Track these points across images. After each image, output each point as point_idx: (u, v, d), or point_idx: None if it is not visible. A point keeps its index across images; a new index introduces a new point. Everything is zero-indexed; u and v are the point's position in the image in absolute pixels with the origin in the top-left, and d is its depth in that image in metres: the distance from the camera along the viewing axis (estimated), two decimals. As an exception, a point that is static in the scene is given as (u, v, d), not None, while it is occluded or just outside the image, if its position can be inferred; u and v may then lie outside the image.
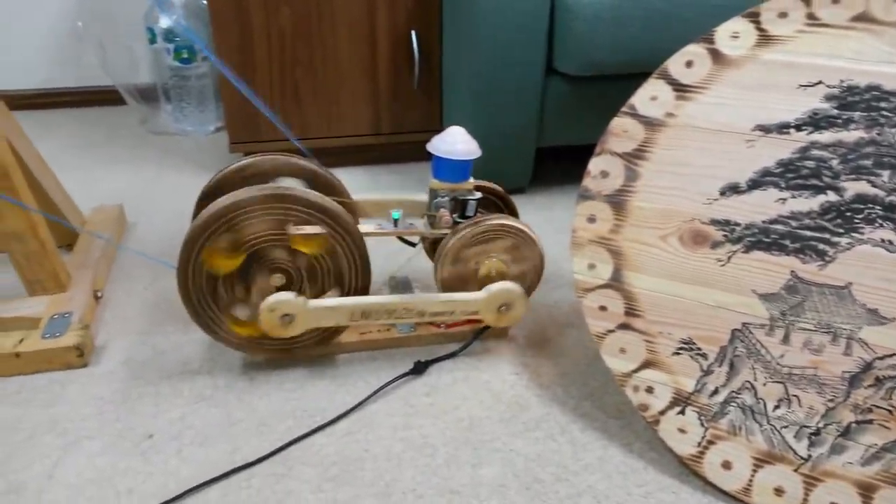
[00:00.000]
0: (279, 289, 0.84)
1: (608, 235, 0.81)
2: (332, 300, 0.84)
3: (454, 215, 0.91)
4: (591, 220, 0.82)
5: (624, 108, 0.83)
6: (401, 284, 0.98)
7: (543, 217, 1.31)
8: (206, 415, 0.82)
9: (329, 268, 0.84)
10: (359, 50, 1.38)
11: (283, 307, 0.81)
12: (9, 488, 0.72)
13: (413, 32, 1.38)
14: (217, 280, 0.81)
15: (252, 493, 0.72)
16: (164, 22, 1.55)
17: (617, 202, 0.81)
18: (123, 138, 1.65)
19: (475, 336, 0.94)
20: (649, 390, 0.76)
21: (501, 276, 0.90)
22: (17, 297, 0.97)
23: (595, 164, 0.83)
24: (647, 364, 0.77)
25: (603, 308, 0.80)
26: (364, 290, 0.87)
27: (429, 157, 0.89)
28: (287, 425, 0.80)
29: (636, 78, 0.92)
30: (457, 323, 0.95)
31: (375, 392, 0.85)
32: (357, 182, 1.45)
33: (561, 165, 1.53)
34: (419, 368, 0.89)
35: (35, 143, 1.68)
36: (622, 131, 0.82)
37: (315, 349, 0.90)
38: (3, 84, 1.74)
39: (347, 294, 0.86)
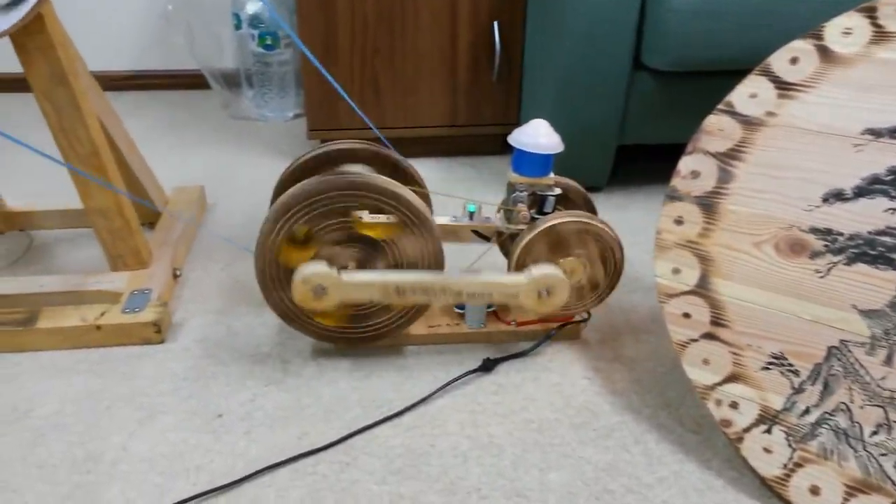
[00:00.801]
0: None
1: (696, 239, 0.77)
2: (365, 273, 0.81)
3: (532, 210, 0.88)
4: (679, 222, 0.78)
5: (720, 106, 0.79)
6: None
7: (620, 217, 1.27)
8: (276, 398, 0.83)
9: (401, 258, 0.83)
10: (439, 40, 1.36)
11: (316, 278, 0.79)
12: (87, 456, 0.74)
13: (495, 23, 1.35)
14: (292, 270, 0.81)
15: (318, 478, 0.71)
16: (251, 8, 1.57)
17: (708, 204, 0.77)
18: (206, 122, 1.69)
19: (546, 336, 0.91)
20: (733, 405, 0.72)
21: (578, 276, 0.87)
22: (100, 271, 1.00)
23: (686, 164, 0.79)
24: (732, 377, 0.73)
25: (686, 315, 0.76)
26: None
27: (505, 150, 0.87)
28: (354, 414, 0.80)
29: (728, 76, 0.88)
30: (528, 321, 0.93)
31: (443, 387, 0.84)
32: (430, 173, 1.44)
33: (640, 165, 1.48)
34: (488, 366, 0.87)
35: (124, 123, 1.77)
36: (717, 130, 0.78)
37: (383, 339, 0.89)
38: (95, 65, 1.80)
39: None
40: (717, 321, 0.75)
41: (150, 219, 1.16)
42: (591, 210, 0.96)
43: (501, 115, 1.44)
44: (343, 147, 0.91)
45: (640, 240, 1.18)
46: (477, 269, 0.83)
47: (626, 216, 1.28)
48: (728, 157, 0.76)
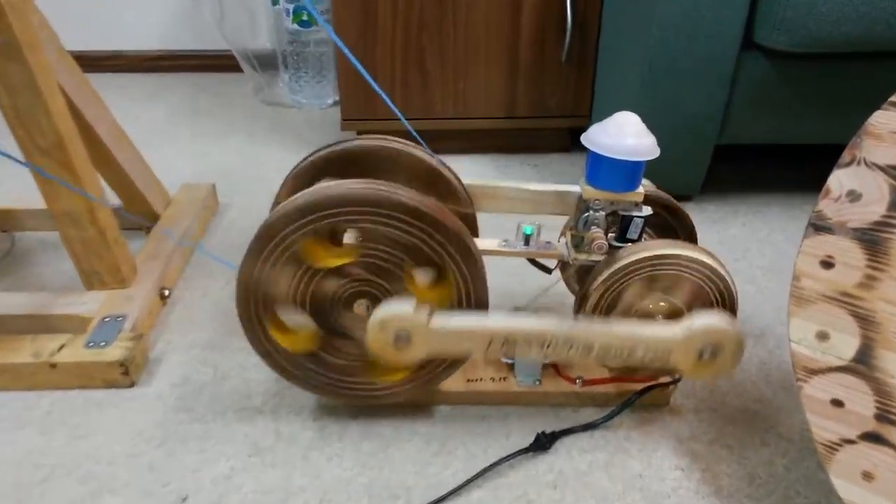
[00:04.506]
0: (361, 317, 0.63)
1: (855, 292, 0.53)
2: (464, 317, 0.61)
3: (610, 235, 0.65)
4: (828, 264, 0.54)
5: (893, 99, 0.54)
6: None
7: (716, 236, 1.02)
8: (259, 475, 0.63)
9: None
10: (498, 13, 1.13)
11: (397, 322, 0.59)
12: (-2, 556, 0.55)
13: (567, -6, 1.11)
14: (300, 266, 0.60)
15: None
16: (286, -20, 1.38)
17: (872, 240, 0.52)
18: (234, 108, 1.51)
19: (625, 403, 0.68)
20: (919, 556, 0.48)
21: (671, 328, 0.64)
22: (77, 289, 0.83)
23: (839, 180, 0.55)
24: (916, 511, 0.48)
25: (838, 403, 0.52)
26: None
27: (575, 147, 0.64)
28: (358, 509, 0.59)
29: (870, 59, 0.62)
30: (597, 379, 0.70)
31: (482, 473, 0.62)
32: (483, 173, 1.22)
33: (741, 169, 1.22)
34: (543, 443, 0.65)
35: (145, 107, 1.55)
36: (889, 133, 0.53)
37: (406, 394, 0.68)
38: (120, 44, 1.66)
39: None
40: (885, 415, 0.50)
41: (150, 221, 0.98)
42: (689, 235, 0.72)
43: (570, 105, 1.21)
44: (356, 146, 0.69)
45: (743, 266, 0.93)
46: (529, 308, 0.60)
47: (723, 234, 1.03)
48: (917, 175, 0.51)
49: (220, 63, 1.66)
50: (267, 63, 1.58)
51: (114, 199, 0.96)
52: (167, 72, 1.69)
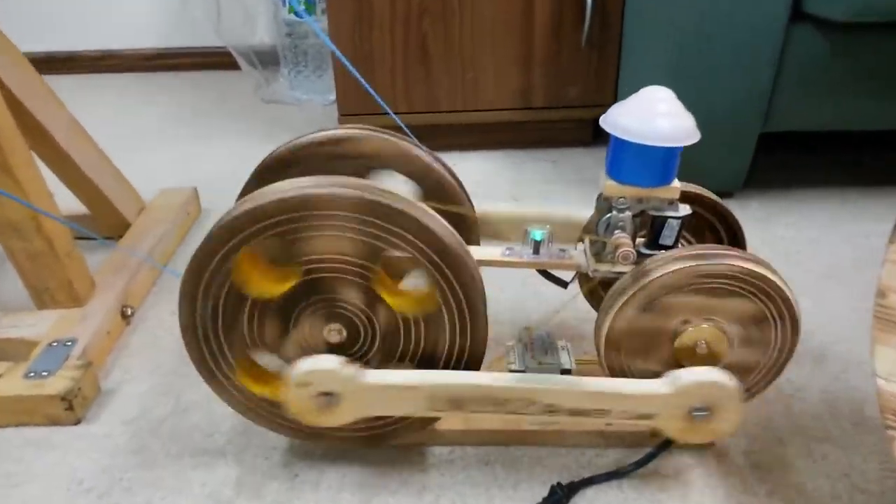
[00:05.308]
0: (333, 348, 0.51)
1: (965, 313, 0.40)
2: (400, 373, 0.51)
3: (638, 241, 0.53)
4: (927, 277, 0.41)
5: None
6: (538, 346, 0.61)
7: (760, 236, 0.89)
8: (214, 538, 0.52)
9: (420, 335, 0.51)
10: (509, -8, 1.02)
11: (321, 379, 0.49)
12: None
13: (586, -32, 1.00)
14: (244, 302, 0.50)
15: None
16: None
17: None
18: (232, 107, 1.41)
19: (660, 446, 0.56)
20: None
21: (712, 357, 0.51)
22: (24, 309, 0.73)
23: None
24: None
25: (945, 461, 0.40)
26: (473, 358, 0.52)
27: (597, 140, 0.53)
28: (328, 585, 0.48)
29: None
30: (627, 415, 0.58)
31: (482, 536, 0.50)
32: (495, 170, 1.10)
33: (788, 161, 1.08)
34: (559, 496, 0.53)
35: (138, 108, 1.44)
36: None
37: (396, 437, 0.56)
38: (114, 44, 1.57)
39: (447, 364, 0.52)
40: None
41: (121, 231, 0.88)
42: (736, 240, 0.60)
43: (591, 94, 1.10)
44: (371, 137, 0.58)
45: (793, 273, 0.80)
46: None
47: (768, 234, 0.90)
48: None
49: (218, 61, 1.57)
50: (267, 60, 1.48)
51: (78, 206, 0.86)
52: (164, 70, 1.60)
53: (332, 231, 0.47)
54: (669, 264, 0.49)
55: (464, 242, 0.49)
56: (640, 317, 0.51)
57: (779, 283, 0.50)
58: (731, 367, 0.51)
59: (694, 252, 0.50)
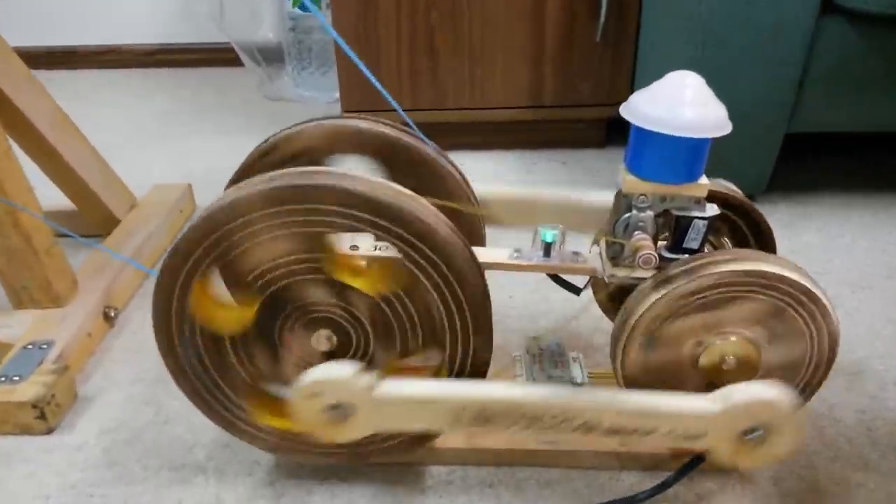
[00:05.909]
0: (328, 355, 0.47)
1: None
2: (420, 382, 0.46)
3: (660, 244, 0.48)
4: None
5: None
6: (547, 357, 0.56)
7: (787, 244, 0.84)
8: (188, 564, 0.47)
9: (409, 309, 0.46)
10: (520, -16, 0.98)
11: (330, 390, 0.44)
12: None
13: (601, -40, 0.95)
14: (221, 343, 0.46)
15: None
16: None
17: None
18: (234, 104, 1.38)
19: (684, 468, 0.50)
20: None
21: (744, 370, 0.46)
22: (1, 309, 0.69)
23: None
24: None
25: None
26: (478, 364, 0.47)
27: (611, 141, 0.48)
28: None
29: None
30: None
31: (483, 569, 0.46)
32: (504, 173, 1.05)
33: (816, 163, 1.03)
34: (570, 524, 0.48)
35: (140, 104, 1.40)
36: None
37: (393, 455, 0.52)
38: (117, 39, 1.54)
39: (452, 329, 0.47)
40: None
41: (110, 228, 0.84)
42: (766, 243, 0.55)
43: (606, 91, 1.05)
44: (316, 127, 0.54)
45: (825, 282, 0.75)
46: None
47: (795, 241, 0.85)
48: None
49: (221, 57, 1.53)
50: (271, 57, 1.45)
51: (65, 201, 0.82)
52: (166, 66, 1.56)
53: (261, 236, 0.43)
54: (700, 273, 0.44)
55: (408, 192, 0.43)
56: (650, 354, 0.46)
57: (807, 285, 0.44)
58: (770, 373, 0.46)
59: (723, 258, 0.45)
